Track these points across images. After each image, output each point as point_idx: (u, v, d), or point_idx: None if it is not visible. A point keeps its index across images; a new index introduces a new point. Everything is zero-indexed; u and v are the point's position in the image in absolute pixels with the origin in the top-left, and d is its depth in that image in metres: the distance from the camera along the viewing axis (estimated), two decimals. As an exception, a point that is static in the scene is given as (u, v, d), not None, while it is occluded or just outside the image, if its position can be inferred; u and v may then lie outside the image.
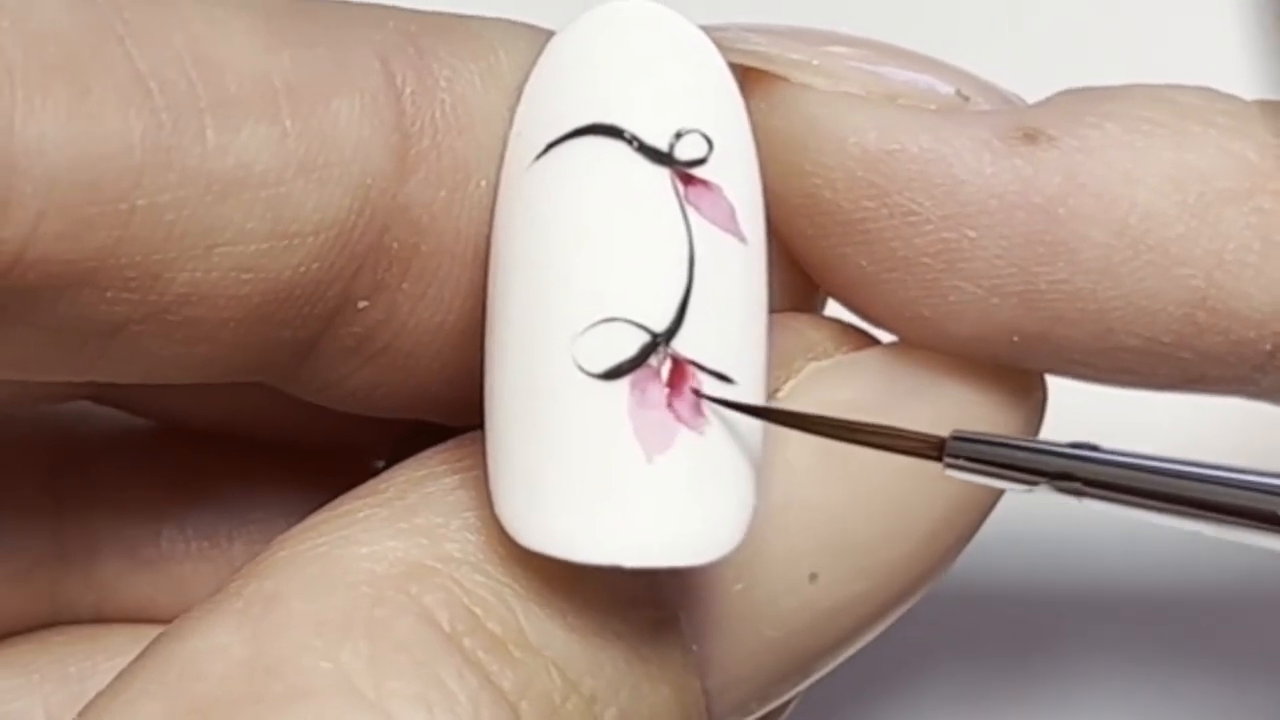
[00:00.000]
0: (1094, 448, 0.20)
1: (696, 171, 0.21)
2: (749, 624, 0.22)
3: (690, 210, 0.21)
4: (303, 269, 0.21)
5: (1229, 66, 0.36)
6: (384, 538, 0.21)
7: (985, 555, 0.25)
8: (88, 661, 0.26)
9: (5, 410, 0.27)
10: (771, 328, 0.21)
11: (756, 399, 0.21)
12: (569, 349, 0.20)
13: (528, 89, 0.21)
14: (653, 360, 0.20)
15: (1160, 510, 0.20)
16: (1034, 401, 0.24)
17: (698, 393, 0.20)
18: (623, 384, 0.20)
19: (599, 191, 0.21)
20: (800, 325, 0.23)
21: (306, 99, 0.20)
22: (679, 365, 0.20)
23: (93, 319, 0.20)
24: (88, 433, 0.27)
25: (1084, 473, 0.20)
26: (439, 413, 0.24)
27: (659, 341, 0.20)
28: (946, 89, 0.23)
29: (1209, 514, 0.20)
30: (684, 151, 0.21)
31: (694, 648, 0.22)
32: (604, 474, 0.20)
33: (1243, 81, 0.35)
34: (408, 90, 0.21)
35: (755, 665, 0.22)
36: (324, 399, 0.23)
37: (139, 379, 0.22)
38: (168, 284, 0.20)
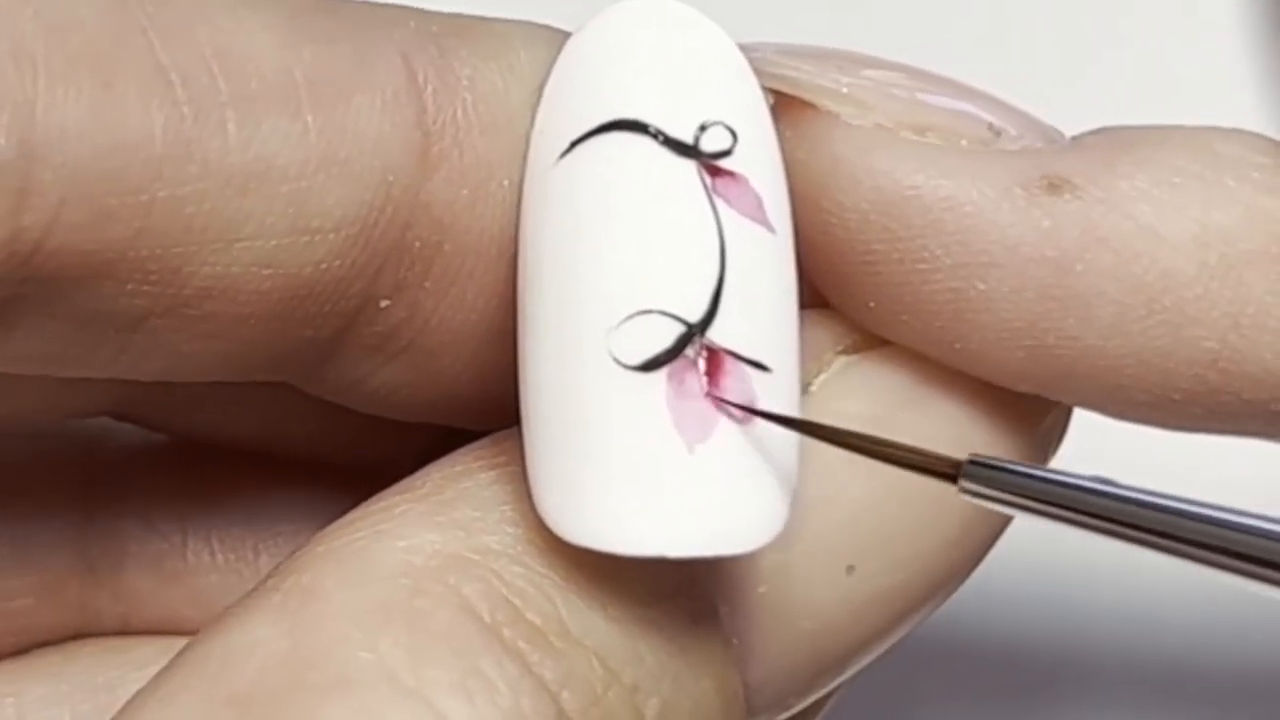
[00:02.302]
0: (1110, 482, 0.20)
1: (722, 163, 0.21)
2: (787, 617, 0.22)
3: (719, 201, 0.21)
4: (324, 265, 0.21)
5: (1229, 66, 0.36)
6: (422, 531, 0.20)
7: (991, 575, 0.25)
8: (116, 672, 0.26)
9: (32, 425, 0.27)
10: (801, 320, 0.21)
11: (791, 388, 0.21)
12: (604, 343, 0.20)
13: (549, 88, 0.22)
14: (689, 351, 0.20)
15: (1176, 554, 0.20)
16: (1059, 409, 0.24)
17: (726, 402, 0.20)
18: (660, 375, 0.20)
19: (626, 185, 0.21)
20: (828, 317, 0.23)
21: (328, 94, 0.21)
22: (715, 355, 0.20)
23: (113, 311, 0.20)
24: (115, 447, 0.27)
25: (1100, 508, 0.20)
26: (461, 416, 0.24)
27: (694, 332, 0.20)
28: (981, 121, 0.23)
29: (1232, 562, 0.19)
30: (709, 144, 0.21)
31: (734, 641, 0.22)
32: (645, 465, 0.20)
33: (1243, 81, 0.35)
34: (429, 88, 0.21)
35: (794, 658, 0.22)
36: (346, 399, 0.23)
37: (160, 376, 0.22)
38: (188, 277, 0.20)
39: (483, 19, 0.22)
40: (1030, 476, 0.20)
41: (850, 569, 0.22)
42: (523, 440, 0.21)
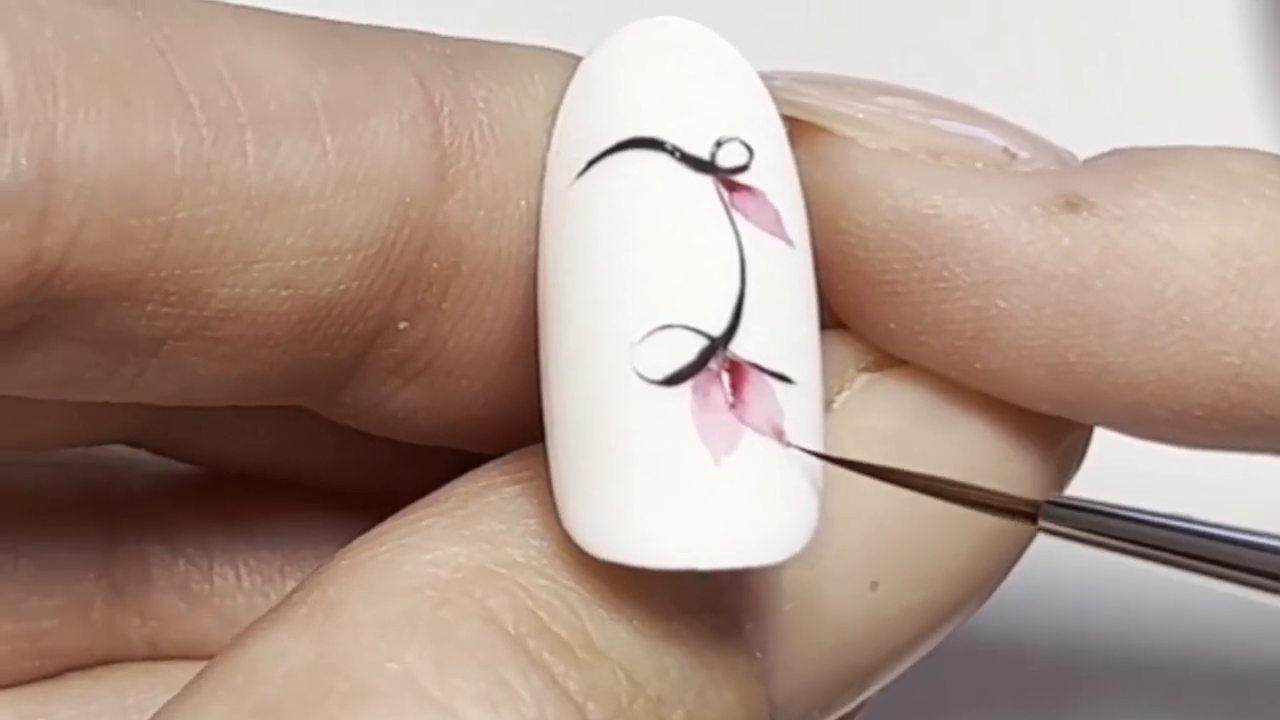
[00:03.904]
0: (1190, 519, 0.20)
1: (739, 178, 0.21)
2: (812, 632, 0.22)
3: (737, 216, 0.21)
4: (342, 287, 0.21)
5: (1229, 67, 0.36)
6: (446, 544, 0.21)
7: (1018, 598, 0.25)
8: (146, 694, 0.26)
9: (48, 452, 0.27)
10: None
11: (815, 399, 0.21)
12: (628, 358, 0.20)
13: (563, 109, 0.22)
14: (712, 364, 0.20)
15: (1262, 588, 0.20)
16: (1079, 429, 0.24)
17: (783, 438, 0.20)
18: (684, 389, 0.20)
19: (645, 203, 0.21)
20: (848, 335, 0.23)
21: (345, 116, 0.21)
22: (738, 367, 0.21)
23: (132, 333, 0.20)
24: (140, 471, 0.27)
25: (1182, 545, 0.20)
26: (479, 439, 0.24)
27: (717, 345, 0.20)
28: (995, 145, 0.23)
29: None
30: (725, 159, 0.21)
31: (758, 655, 0.22)
32: (671, 479, 0.20)
33: (1243, 81, 0.35)
34: (446, 110, 0.21)
35: (818, 674, 0.22)
36: (364, 424, 0.23)
37: (179, 400, 0.22)
38: (207, 299, 0.20)
39: (497, 43, 0.23)
40: (1110, 515, 0.21)
41: (874, 585, 0.22)
42: (547, 457, 0.21)
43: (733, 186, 0.21)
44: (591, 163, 0.21)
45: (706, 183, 0.21)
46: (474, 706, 0.19)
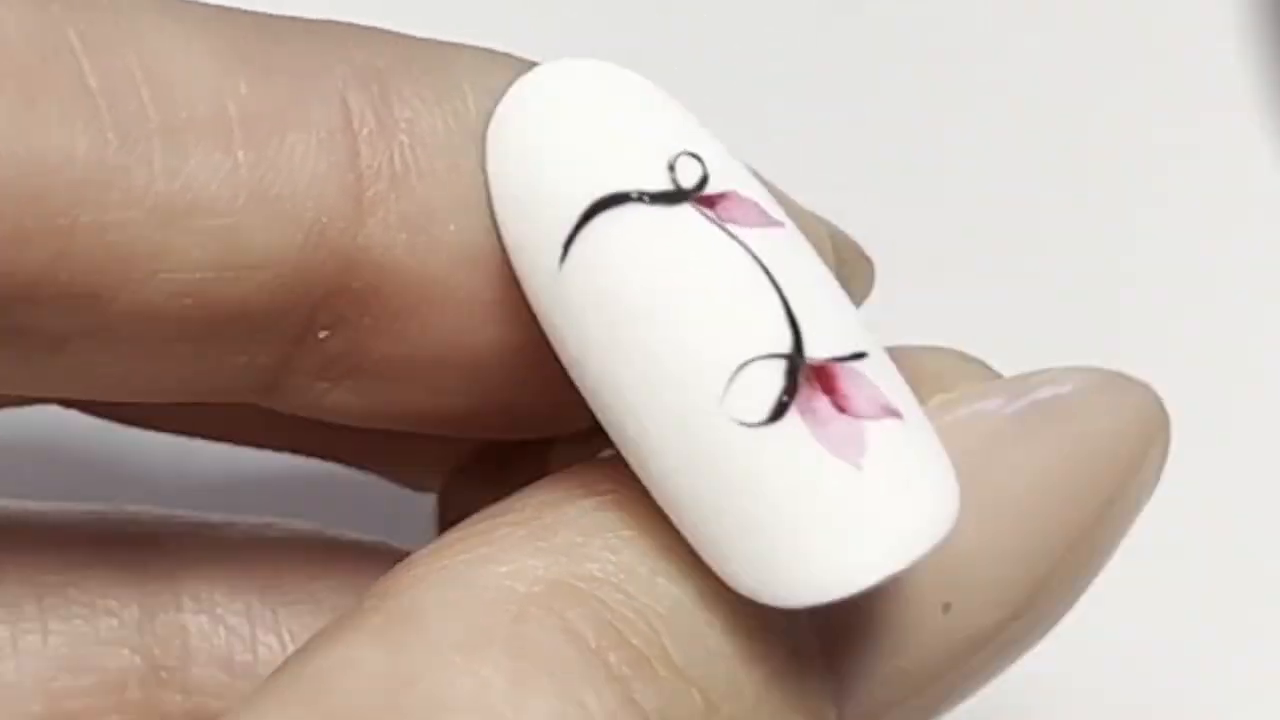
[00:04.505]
0: None
1: (708, 191, 0.21)
2: (884, 655, 0.22)
3: (730, 227, 0.21)
4: (250, 300, 0.21)
5: (1229, 67, 0.36)
6: (523, 556, 0.20)
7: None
8: None
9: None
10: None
11: (884, 357, 0.21)
12: (722, 413, 0.20)
13: (494, 191, 0.21)
14: (801, 379, 0.20)
15: None
16: None
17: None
18: (792, 416, 0.20)
19: (649, 258, 0.20)
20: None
21: (261, 130, 0.20)
22: (823, 370, 0.20)
23: (34, 333, 0.20)
24: (170, 535, 0.27)
25: None
26: (441, 427, 0.24)
27: (797, 359, 0.20)
28: None
29: None
30: (686, 179, 0.21)
31: (830, 677, 0.21)
32: (826, 504, 0.20)
33: (1243, 81, 0.35)
34: (365, 130, 0.21)
35: (889, 697, 0.22)
36: (308, 414, 0.23)
37: (93, 395, 0.22)
38: (108, 303, 0.20)
39: (438, 48, 0.22)
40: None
41: (947, 607, 0.22)
42: (670, 516, 0.20)
43: (708, 201, 0.21)
44: (567, 245, 0.21)
45: (687, 210, 0.21)
46: None
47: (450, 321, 0.22)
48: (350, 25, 0.22)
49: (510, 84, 0.21)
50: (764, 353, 0.20)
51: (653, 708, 0.20)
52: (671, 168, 0.21)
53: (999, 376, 0.23)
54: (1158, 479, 0.23)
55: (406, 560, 0.21)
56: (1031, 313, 0.36)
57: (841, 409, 0.20)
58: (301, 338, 0.21)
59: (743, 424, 0.20)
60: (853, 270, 0.24)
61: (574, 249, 0.20)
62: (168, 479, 0.32)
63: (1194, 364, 0.35)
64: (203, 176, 0.20)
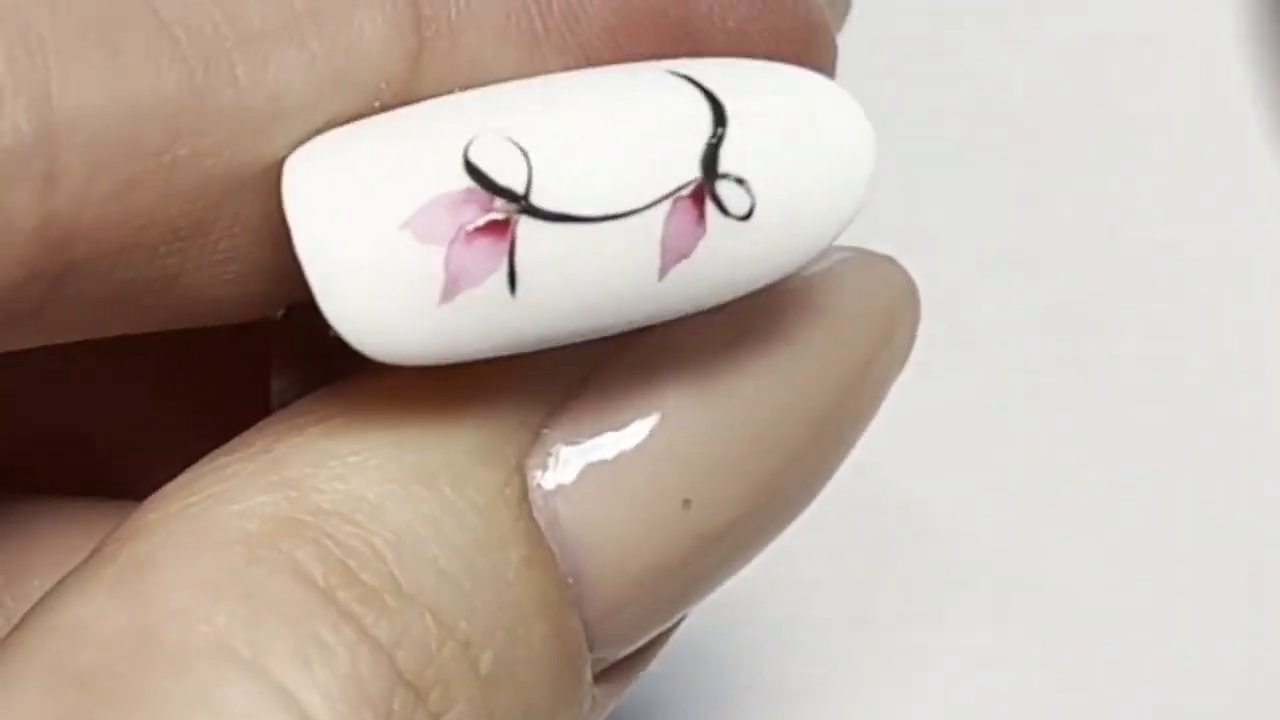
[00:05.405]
0: None
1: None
2: (625, 555, 0.22)
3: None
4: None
5: (1229, 67, 0.36)
6: (253, 493, 0.20)
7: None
8: None
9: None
10: None
11: None
12: None
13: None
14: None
15: None
16: None
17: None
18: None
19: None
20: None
21: (329, 17, 0.20)
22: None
23: (147, 278, 0.20)
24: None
25: None
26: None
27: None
28: None
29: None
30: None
31: (569, 581, 0.22)
32: None
33: (1243, 81, 0.35)
34: None
35: (634, 595, 0.22)
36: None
37: (190, 323, 0.22)
38: (213, 225, 0.20)
39: None
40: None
41: (687, 503, 0.22)
42: None
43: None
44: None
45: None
46: (287, 665, 0.19)
47: None
48: None
49: None
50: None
51: (388, 639, 0.20)
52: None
53: None
54: (905, 359, 0.23)
55: (145, 502, 0.21)
56: (1032, 313, 0.36)
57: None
58: None
59: None
60: None
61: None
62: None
63: (1194, 364, 0.35)
64: (284, 79, 0.20)
